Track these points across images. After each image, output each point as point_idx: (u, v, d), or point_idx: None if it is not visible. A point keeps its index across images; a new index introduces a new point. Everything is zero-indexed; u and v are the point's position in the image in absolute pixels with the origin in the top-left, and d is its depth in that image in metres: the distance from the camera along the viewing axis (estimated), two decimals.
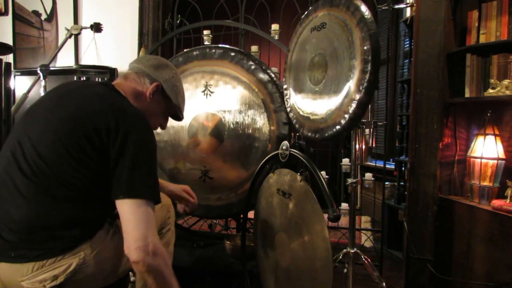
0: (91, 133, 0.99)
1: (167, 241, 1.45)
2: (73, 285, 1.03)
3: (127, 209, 0.98)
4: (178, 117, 1.36)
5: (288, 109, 1.76)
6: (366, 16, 1.30)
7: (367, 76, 1.27)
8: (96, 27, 2.79)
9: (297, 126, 1.68)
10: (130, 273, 1.78)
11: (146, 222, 0.98)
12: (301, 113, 1.63)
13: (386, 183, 2.84)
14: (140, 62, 1.24)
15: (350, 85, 1.33)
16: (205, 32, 2.71)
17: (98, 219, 1.09)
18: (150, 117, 1.18)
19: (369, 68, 1.27)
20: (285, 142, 1.58)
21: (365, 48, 1.28)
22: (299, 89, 1.66)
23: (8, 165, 1.04)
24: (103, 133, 0.99)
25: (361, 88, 1.29)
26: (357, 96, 1.30)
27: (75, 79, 2.89)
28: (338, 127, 1.38)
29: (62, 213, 1.00)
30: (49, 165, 1.00)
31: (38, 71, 2.27)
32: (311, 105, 1.57)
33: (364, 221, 3.63)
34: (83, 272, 1.03)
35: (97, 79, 2.84)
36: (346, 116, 1.34)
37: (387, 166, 2.77)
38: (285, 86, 1.78)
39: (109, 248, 1.10)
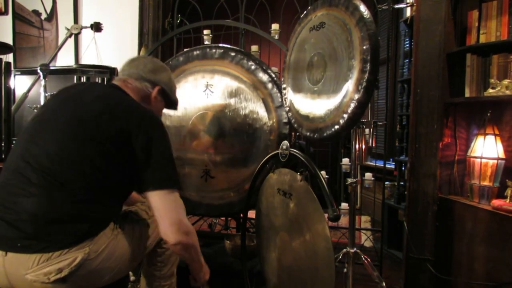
0: (114, 133, 1.09)
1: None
2: (76, 280, 1.05)
3: (159, 199, 1.11)
4: (175, 108, 1.48)
5: (287, 109, 1.76)
6: (365, 16, 1.30)
7: (366, 75, 1.27)
8: (96, 27, 2.80)
9: (295, 125, 1.68)
10: (130, 272, 1.78)
11: (176, 207, 1.13)
12: (299, 112, 1.63)
13: (386, 183, 2.84)
14: (136, 68, 1.30)
15: (349, 84, 1.33)
16: (205, 31, 2.71)
17: (106, 217, 1.14)
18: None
19: (368, 67, 1.26)
20: (285, 142, 1.57)
21: (364, 47, 1.28)
22: (297, 89, 1.66)
23: (23, 156, 1.08)
24: (126, 134, 1.09)
25: (360, 88, 1.28)
26: (356, 96, 1.30)
27: (75, 78, 2.89)
28: (337, 126, 1.38)
29: (74, 206, 1.05)
30: (67, 158, 1.06)
31: (38, 71, 2.27)
32: (309, 104, 1.57)
33: (364, 221, 3.63)
34: (86, 268, 1.05)
35: (97, 79, 2.84)
36: (345, 115, 1.34)
37: (387, 166, 2.77)
38: (283, 86, 1.78)
39: (114, 247, 1.13)
